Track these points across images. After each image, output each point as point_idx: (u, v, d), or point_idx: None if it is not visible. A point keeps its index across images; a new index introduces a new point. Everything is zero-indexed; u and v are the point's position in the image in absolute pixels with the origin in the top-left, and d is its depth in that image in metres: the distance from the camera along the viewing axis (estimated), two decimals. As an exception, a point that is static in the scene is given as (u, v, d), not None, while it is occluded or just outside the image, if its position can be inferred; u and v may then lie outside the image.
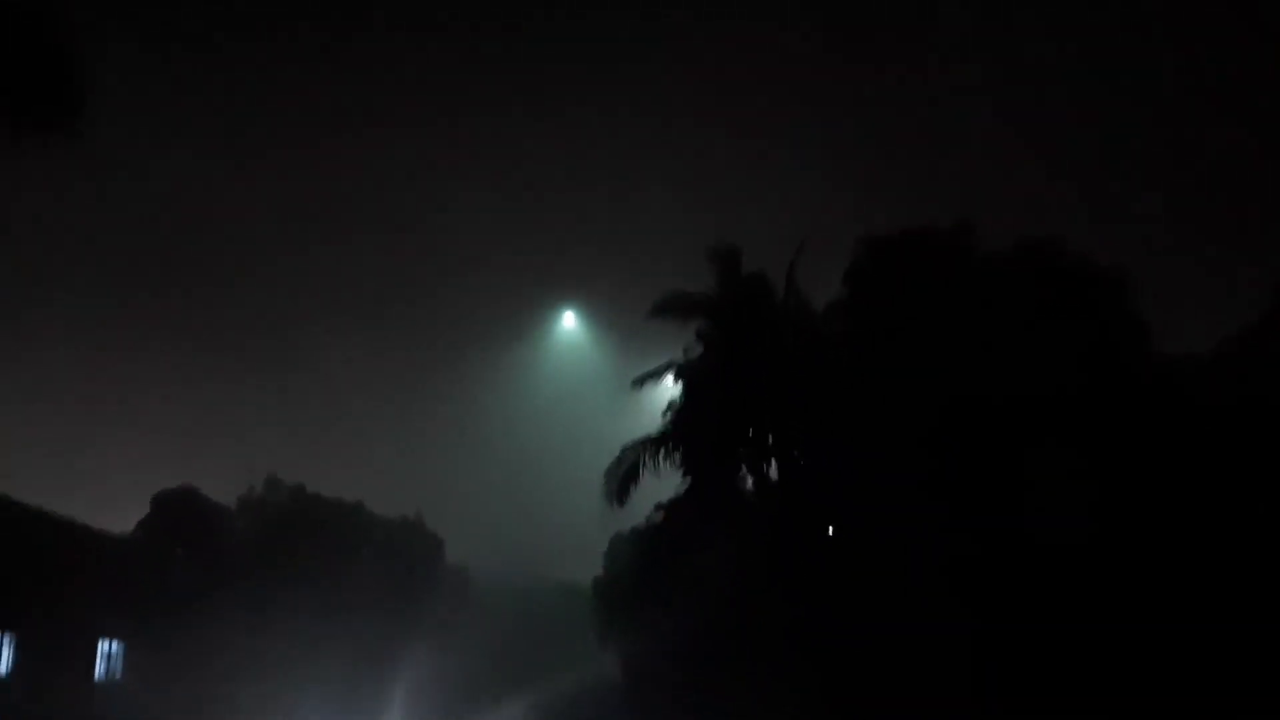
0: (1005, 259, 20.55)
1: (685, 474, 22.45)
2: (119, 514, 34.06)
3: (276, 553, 34.16)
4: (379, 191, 39.69)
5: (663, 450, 22.35)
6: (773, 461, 22.52)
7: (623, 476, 22.21)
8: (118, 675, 25.96)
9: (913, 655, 18.53)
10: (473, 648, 29.31)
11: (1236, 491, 17.50)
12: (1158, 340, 19.84)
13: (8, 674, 22.70)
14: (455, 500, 36.07)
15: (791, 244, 22.54)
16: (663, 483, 22.49)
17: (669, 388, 23.32)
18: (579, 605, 30.10)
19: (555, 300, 39.97)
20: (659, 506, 23.19)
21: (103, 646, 25.74)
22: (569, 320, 40.61)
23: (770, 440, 22.40)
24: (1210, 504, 17.48)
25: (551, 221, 40.24)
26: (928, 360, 19.77)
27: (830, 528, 22.15)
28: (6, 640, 22.69)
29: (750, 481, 22.65)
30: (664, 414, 22.80)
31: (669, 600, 22.22)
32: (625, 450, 22.45)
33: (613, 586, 28.36)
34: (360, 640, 32.41)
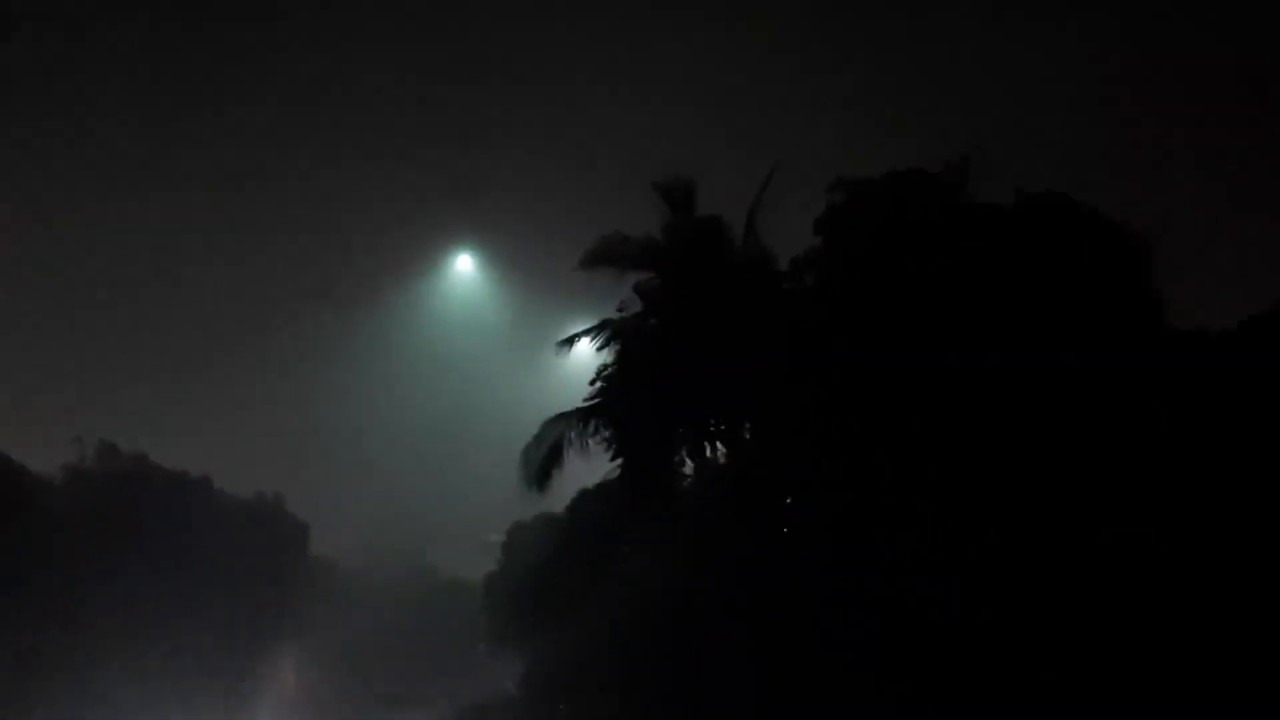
0: (1006, 213, 17.77)
1: (615, 455, 19.16)
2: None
3: (109, 530, 30.06)
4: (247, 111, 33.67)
5: (591, 426, 18.84)
6: (718, 444, 19.54)
7: (543, 458, 18.77)
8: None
9: (876, 662, 16.19)
10: (339, 652, 25.32)
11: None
12: (1174, 316, 17.43)
13: None
14: (322, 480, 30.87)
15: (751, 188, 19.11)
16: (591, 465, 19.09)
17: (590, 351, 19.80)
18: (467, 606, 26.39)
19: (448, 241, 34.60)
20: (583, 493, 19.91)
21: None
22: (464, 264, 35.26)
23: (717, 417, 19.38)
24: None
25: (446, 146, 34.54)
26: (912, 324, 17.01)
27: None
28: None
29: (690, 466, 19.60)
30: (592, 383, 19.31)
31: (588, 599, 19.33)
32: (546, 426, 18.97)
33: (513, 583, 24.84)
34: (208, 633, 28.67)
